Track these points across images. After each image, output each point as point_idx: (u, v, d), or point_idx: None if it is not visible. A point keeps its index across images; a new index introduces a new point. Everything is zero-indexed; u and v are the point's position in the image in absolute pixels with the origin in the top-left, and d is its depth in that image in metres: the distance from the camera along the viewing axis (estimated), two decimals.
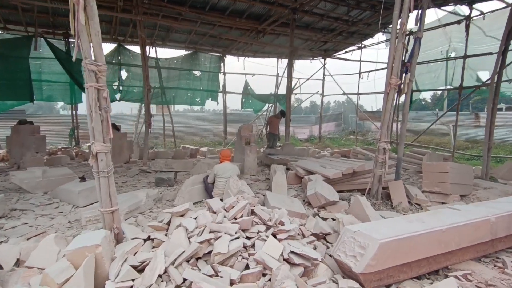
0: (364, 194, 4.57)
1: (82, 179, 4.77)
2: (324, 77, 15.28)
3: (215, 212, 2.99)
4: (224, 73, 13.33)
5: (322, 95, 15.68)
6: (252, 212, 2.98)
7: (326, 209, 4.31)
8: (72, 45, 10.47)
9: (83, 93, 10.57)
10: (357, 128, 14.95)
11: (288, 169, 6.44)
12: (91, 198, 4.44)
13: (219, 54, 12.98)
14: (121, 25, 9.95)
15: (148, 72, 8.05)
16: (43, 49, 9.95)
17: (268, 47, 12.99)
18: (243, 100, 14.39)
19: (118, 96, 11.27)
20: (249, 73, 14.04)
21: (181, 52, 12.31)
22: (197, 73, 12.79)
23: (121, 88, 11.25)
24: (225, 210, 2.99)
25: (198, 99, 13.06)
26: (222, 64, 13.21)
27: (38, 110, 31.03)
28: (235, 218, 2.81)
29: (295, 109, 21.18)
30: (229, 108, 17.70)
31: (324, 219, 3.74)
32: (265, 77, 14.82)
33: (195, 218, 2.85)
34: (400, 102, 6.65)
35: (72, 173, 5.50)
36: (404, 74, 4.69)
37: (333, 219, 3.60)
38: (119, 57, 11.10)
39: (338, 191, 4.76)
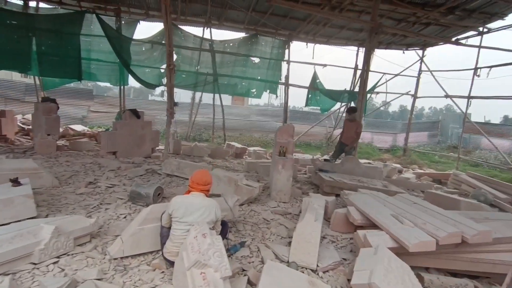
0: None
1: (15, 182, 3.33)
2: (420, 74, 11.72)
3: None
4: (288, 62, 11.12)
5: (415, 96, 12.12)
6: None
7: None
8: (123, 22, 9.79)
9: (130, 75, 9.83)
10: (461, 142, 11.00)
11: (337, 195, 4.01)
12: (3, 215, 2.91)
13: (283, 39, 10.82)
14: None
15: (172, 48, 6.46)
16: (94, 26, 9.41)
17: (345, 31, 10.25)
18: (309, 95, 11.93)
19: (165, 80, 10.18)
20: (319, 63, 11.50)
21: (239, 35, 10.58)
22: (256, 60, 10.90)
23: None
24: None
25: (254, 90, 11.19)
26: (286, 51, 11.02)
27: (140, 95, 33.46)
28: None
29: (380, 113, 17.64)
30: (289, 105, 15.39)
31: None
32: (339, 70, 12.09)
33: None
34: None
35: (37, 168, 4.18)
36: None
37: None
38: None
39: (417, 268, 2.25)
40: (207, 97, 12.69)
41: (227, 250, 2.63)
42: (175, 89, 10.67)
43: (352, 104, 10.74)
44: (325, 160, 7.17)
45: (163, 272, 2.45)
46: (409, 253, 2.50)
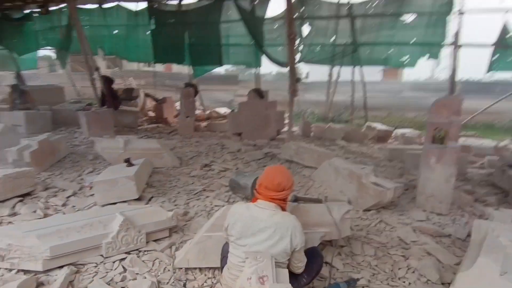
0: None
1: (128, 163, 3.41)
2: None
3: None
4: (459, 13, 8.08)
5: None
6: None
7: None
8: (256, 1, 9.60)
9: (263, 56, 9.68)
10: None
11: None
12: (111, 194, 2.98)
13: None
14: None
15: (292, 14, 5.52)
16: (231, 11, 9.68)
17: None
18: (494, 57, 8.41)
19: (297, 57, 9.46)
20: None
21: None
22: (409, 19, 8.48)
23: (301, 47, 9.32)
24: None
25: (406, 57, 8.82)
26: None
27: (282, 78, 34.98)
28: None
29: None
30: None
31: None
32: None
33: None
34: None
35: (160, 148, 4.35)
36: None
37: None
38: (302, 8, 9.05)
39: None
40: (346, 73, 11.19)
41: None
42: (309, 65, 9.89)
43: None
44: None
45: None
46: None
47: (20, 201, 3.04)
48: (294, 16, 8.79)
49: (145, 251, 2.26)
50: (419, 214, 2.99)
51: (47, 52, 12.51)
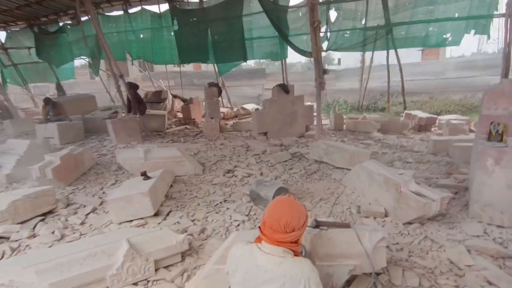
0: None
1: (145, 176, 3.27)
2: None
3: None
4: None
5: None
6: None
7: None
8: None
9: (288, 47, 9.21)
10: None
11: None
12: (126, 212, 2.86)
13: None
14: None
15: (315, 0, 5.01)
16: (252, 3, 9.30)
17: None
18: None
19: (325, 45, 8.86)
20: None
21: None
22: None
23: (328, 34, 8.71)
24: None
25: (448, 35, 7.87)
26: None
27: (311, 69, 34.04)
28: None
29: None
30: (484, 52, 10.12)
31: None
32: None
33: None
34: None
35: (180, 156, 4.19)
36: None
37: None
38: None
39: None
40: (381, 57, 10.33)
41: None
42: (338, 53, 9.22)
43: None
44: None
45: None
46: None
47: (42, 220, 3.04)
48: (320, 1, 8.23)
49: (154, 280, 2.07)
50: (473, 227, 2.49)
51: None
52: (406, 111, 8.24)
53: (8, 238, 2.72)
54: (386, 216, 2.73)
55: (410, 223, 2.56)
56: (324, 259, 1.66)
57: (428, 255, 2.20)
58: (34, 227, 2.91)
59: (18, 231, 2.79)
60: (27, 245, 2.62)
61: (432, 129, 7.49)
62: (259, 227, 1.30)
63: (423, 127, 7.41)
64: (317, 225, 1.74)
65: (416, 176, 3.05)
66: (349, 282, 1.82)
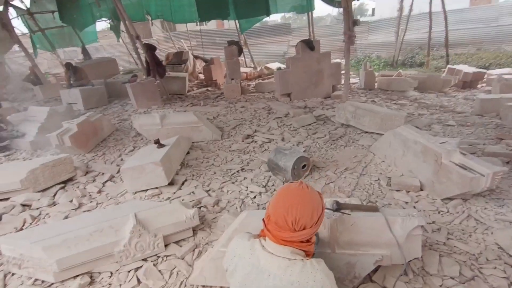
0: None
1: (159, 144, 3.12)
2: None
3: None
4: None
5: None
6: None
7: None
8: None
9: None
10: None
11: None
12: (139, 182, 2.77)
13: None
14: None
15: None
16: None
17: None
18: None
19: None
20: None
21: None
22: None
23: None
24: None
25: None
26: None
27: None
28: None
29: None
30: None
31: None
32: None
33: None
34: None
35: (197, 121, 4.00)
36: None
37: None
38: None
39: None
40: (422, 4, 9.09)
41: None
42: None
43: None
44: None
45: None
46: None
47: (62, 188, 3.06)
48: None
49: (164, 256, 1.99)
50: None
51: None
52: (449, 66, 7.35)
53: (30, 206, 2.77)
54: (421, 189, 2.40)
55: (450, 198, 2.23)
56: (346, 247, 1.43)
57: (471, 238, 1.89)
58: (54, 195, 2.93)
59: (39, 199, 2.82)
60: (47, 214, 2.64)
61: (479, 86, 6.67)
62: (263, 219, 1.06)
63: (468, 83, 6.61)
64: (338, 208, 1.48)
65: (461, 143, 2.63)
66: (375, 270, 1.60)
